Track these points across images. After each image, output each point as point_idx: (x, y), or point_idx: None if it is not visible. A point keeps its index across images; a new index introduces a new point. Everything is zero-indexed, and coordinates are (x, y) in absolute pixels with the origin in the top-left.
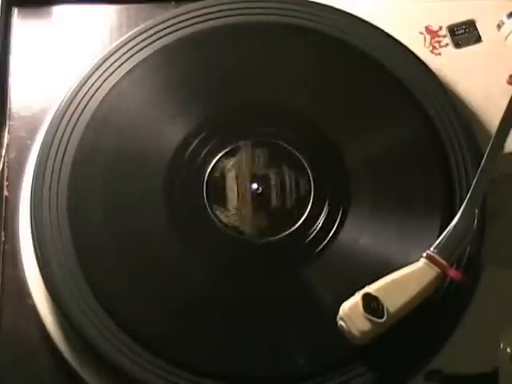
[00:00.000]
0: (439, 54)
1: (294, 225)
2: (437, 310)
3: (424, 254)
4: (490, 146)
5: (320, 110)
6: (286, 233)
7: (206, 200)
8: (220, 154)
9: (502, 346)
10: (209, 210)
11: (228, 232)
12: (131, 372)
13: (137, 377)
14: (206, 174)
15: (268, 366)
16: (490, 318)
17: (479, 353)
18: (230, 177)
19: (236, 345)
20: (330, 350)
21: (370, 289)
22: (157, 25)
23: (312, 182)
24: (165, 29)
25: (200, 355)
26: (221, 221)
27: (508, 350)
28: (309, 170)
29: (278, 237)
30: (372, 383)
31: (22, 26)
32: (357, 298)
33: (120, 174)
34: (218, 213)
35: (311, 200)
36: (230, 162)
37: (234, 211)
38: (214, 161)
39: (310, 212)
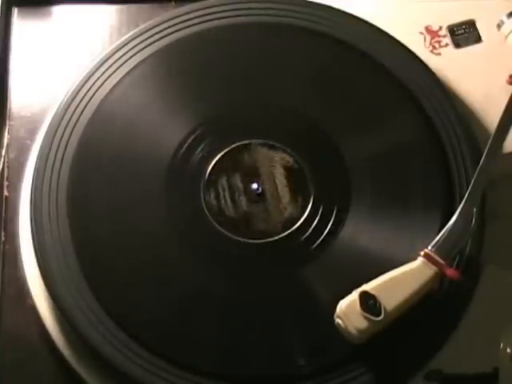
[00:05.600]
0: (439, 54)
1: (293, 224)
2: (437, 309)
3: (421, 253)
4: (488, 145)
5: (320, 110)
6: (286, 232)
7: (205, 200)
8: (220, 155)
9: (502, 345)
10: (208, 210)
11: (228, 232)
12: (130, 372)
13: (136, 377)
14: (206, 174)
15: (268, 366)
16: (489, 317)
17: (479, 353)
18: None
19: (236, 345)
20: (329, 350)
21: (368, 287)
22: (157, 25)
23: (312, 182)
24: (165, 29)
25: (200, 355)
26: (220, 221)
27: (508, 350)
28: (309, 170)
29: (277, 236)
30: (372, 383)
31: (22, 26)
32: (354, 295)
33: (120, 174)
34: (217, 213)
35: (311, 200)
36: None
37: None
38: (214, 161)
39: (309, 212)
